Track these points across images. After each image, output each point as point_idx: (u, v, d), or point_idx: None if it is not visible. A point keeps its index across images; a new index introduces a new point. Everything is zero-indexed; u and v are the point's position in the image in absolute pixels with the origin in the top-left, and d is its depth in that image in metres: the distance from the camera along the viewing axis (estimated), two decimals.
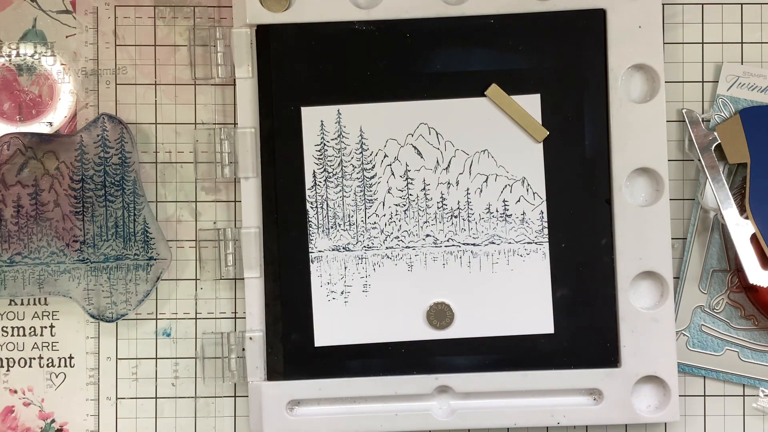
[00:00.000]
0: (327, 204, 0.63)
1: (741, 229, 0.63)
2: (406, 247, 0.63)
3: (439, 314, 0.63)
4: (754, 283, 0.63)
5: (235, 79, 0.63)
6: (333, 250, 0.63)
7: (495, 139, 0.63)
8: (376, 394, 0.63)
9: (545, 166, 0.63)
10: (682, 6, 0.65)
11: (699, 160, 0.64)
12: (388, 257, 0.63)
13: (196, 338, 0.65)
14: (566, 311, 0.63)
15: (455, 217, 0.63)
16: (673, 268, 0.64)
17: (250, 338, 0.63)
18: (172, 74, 0.65)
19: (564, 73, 0.63)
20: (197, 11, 0.65)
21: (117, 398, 0.65)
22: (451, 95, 0.63)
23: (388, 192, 0.63)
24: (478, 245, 0.63)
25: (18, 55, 0.65)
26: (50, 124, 0.65)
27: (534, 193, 0.63)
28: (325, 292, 0.63)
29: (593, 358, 0.63)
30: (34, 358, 0.65)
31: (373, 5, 0.63)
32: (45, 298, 0.65)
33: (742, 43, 0.66)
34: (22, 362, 0.65)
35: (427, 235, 0.63)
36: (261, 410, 0.63)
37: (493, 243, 0.63)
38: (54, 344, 0.65)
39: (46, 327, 0.65)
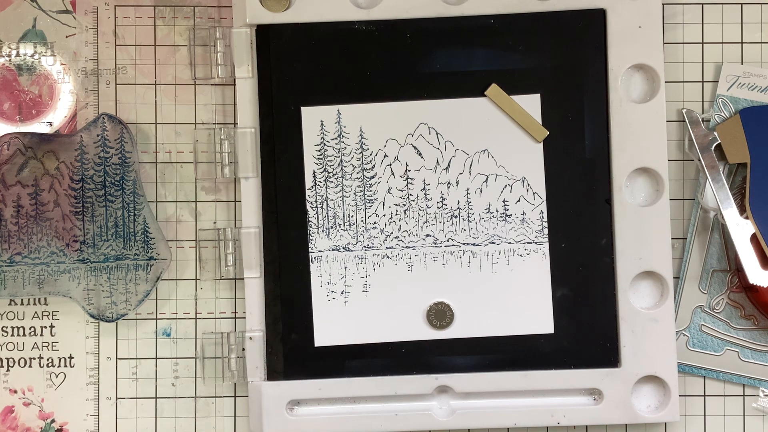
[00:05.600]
0: (327, 204, 0.63)
1: (741, 229, 0.63)
2: (406, 247, 0.63)
3: (439, 314, 0.63)
4: (754, 283, 0.63)
5: (235, 79, 0.63)
6: (333, 250, 0.63)
7: (495, 139, 0.63)
8: (376, 394, 0.63)
9: (545, 166, 0.63)
10: (682, 6, 0.65)
11: (699, 160, 0.64)
12: (388, 257, 0.63)
13: (196, 338, 0.65)
14: (566, 311, 0.63)
15: (455, 217, 0.63)
16: (673, 268, 0.64)
17: (250, 338, 0.63)
18: (172, 74, 0.65)
19: (564, 73, 0.63)
20: (197, 11, 0.65)
21: (117, 398, 0.65)
22: (451, 95, 0.63)
23: (388, 192, 0.63)
24: (478, 245, 0.63)
25: (18, 55, 0.65)
26: (50, 124, 0.65)
27: (534, 193, 0.63)
28: (325, 292, 0.63)
29: (593, 358, 0.63)
30: (34, 358, 0.65)
31: (373, 5, 0.63)
32: (45, 298, 0.65)
33: (742, 43, 0.66)
34: (22, 362, 0.65)
35: (427, 235, 0.63)
36: (261, 410, 0.63)
37: (493, 243, 0.63)
38: (54, 344, 0.65)
39: (46, 327, 0.65)
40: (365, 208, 0.63)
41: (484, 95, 0.63)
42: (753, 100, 0.65)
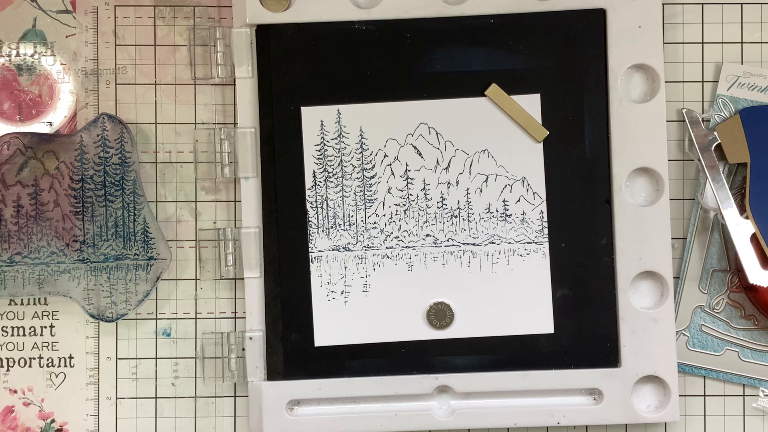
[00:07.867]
0: (327, 204, 0.63)
1: (741, 229, 0.63)
2: (406, 247, 0.63)
3: (439, 314, 0.63)
4: (754, 283, 0.63)
5: (235, 79, 0.63)
6: (333, 250, 0.63)
7: (495, 139, 0.63)
8: (376, 394, 0.63)
9: (545, 166, 0.63)
10: (682, 6, 0.65)
11: (699, 160, 0.64)
12: (388, 257, 0.63)
13: (196, 338, 0.65)
14: (566, 311, 0.63)
15: (455, 217, 0.63)
16: (673, 268, 0.64)
17: (250, 338, 0.63)
18: (172, 74, 0.65)
19: (564, 73, 0.63)
20: (197, 11, 0.65)
21: (117, 398, 0.65)
22: (451, 95, 0.63)
23: (388, 192, 0.63)
24: (478, 245, 0.63)
25: (18, 55, 0.65)
26: (50, 124, 0.65)
27: (534, 193, 0.63)
28: (325, 292, 0.63)
29: (593, 358, 0.63)
30: (34, 358, 0.65)
31: (373, 5, 0.63)
32: (45, 298, 0.65)
33: (742, 43, 0.66)
34: (22, 362, 0.65)
35: (427, 235, 0.63)
36: (261, 410, 0.63)
37: (493, 243, 0.63)
38: (54, 344, 0.65)
39: (46, 327, 0.65)
40: (365, 208, 0.63)
41: (484, 95, 0.63)
42: (753, 100, 0.65)
